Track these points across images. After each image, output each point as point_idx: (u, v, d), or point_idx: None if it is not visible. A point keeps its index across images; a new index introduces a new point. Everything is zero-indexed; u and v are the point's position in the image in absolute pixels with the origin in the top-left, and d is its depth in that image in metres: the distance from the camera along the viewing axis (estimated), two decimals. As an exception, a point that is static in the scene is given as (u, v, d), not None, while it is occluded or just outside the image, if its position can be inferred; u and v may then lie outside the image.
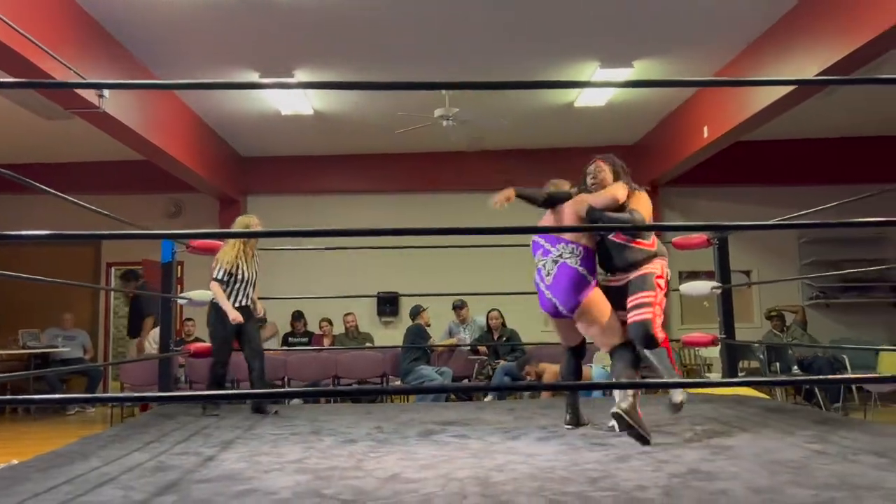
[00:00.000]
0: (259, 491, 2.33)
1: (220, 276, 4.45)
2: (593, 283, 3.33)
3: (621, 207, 3.39)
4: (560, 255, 3.39)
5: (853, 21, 4.81)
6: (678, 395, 3.38)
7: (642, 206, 3.39)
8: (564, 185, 3.62)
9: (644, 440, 2.98)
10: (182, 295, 4.95)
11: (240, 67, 6.53)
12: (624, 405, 2.99)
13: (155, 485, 2.42)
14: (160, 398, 3.75)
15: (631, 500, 2.12)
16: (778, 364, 7.11)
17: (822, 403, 6.56)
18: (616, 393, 3.24)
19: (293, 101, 7.38)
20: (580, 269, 3.31)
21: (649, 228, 3.44)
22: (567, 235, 3.41)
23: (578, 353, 3.63)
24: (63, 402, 8.36)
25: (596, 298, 3.31)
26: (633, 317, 3.29)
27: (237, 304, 4.49)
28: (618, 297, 3.37)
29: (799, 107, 6.29)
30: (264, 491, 2.33)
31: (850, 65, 5.04)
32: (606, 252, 3.46)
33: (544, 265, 3.47)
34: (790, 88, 5.66)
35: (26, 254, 8.36)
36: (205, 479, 2.54)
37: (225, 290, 4.47)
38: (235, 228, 4.64)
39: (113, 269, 10.00)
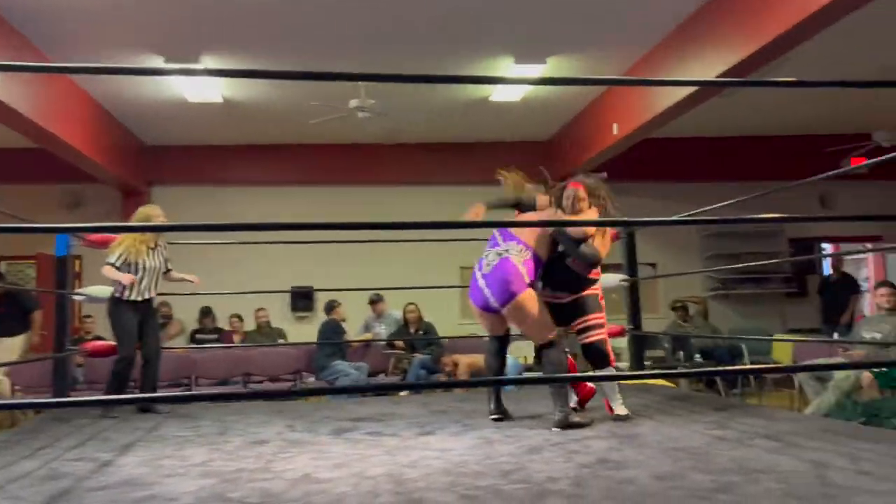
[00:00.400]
0: (159, 497, 2.22)
1: (113, 261, 4.24)
2: (528, 283, 3.38)
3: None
4: (506, 251, 3.42)
5: (753, 24, 5.05)
6: (622, 410, 3.45)
7: (606, 239, 3.55)
8: (512, 179, 3.63)
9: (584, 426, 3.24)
10: (78, 291, 4.68)
11: (144, 52, 6.23)
12: (559, 416, 3.23)
13: (45, 494, 2.27)
14: (48, 404, 3.51)
15: (542, 492, 2.14)
16: (682, 353, 7.42)
17: (721, 389, 6.89)
18: (553, 398, 3.34)
19: (201, 87, 7.11)
20: (521, 266, 3.36)
21: (559, 224, 3.48)
22: (524, 238, 3.45)
23: (504, 341, 3.69)
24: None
25: (528, 296, 3.37)
26: (586, 338, 3.46)
27: (138, 297, 4.27)
28: (558, 314, 3.49)
29: (702, 106, 6.57)
30: (165, 497, 2.22)
31: (750, 66, 5.30)
32: (558, 272, 3.51)
33: (486, 256, 3.49)
34: (694, 88, 5.89)
35: None
36: (100, 486, 2.40)
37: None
38: (136, 220, 4.40)
39: (2, 263, 9.37)
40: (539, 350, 3.48)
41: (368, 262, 8.61)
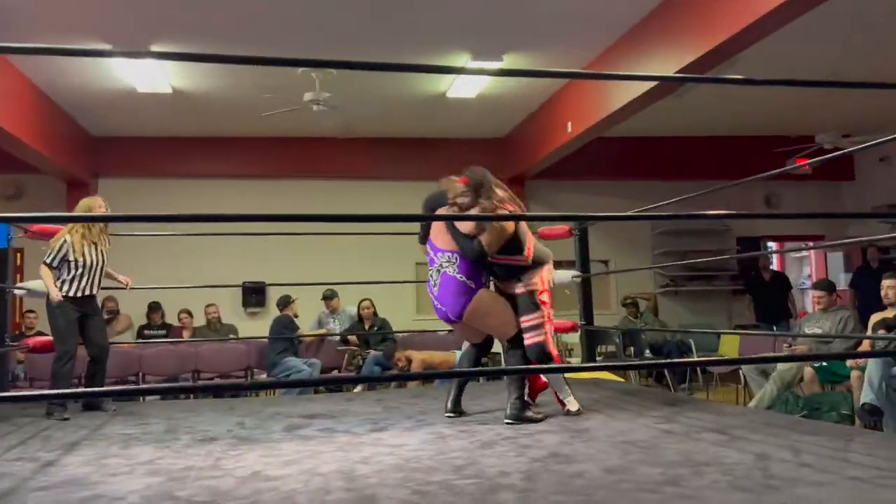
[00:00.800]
0: (105, 497, 2.16)
1: (49, 261, 4.12)
2: (476, 286, 3.42)
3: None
4: (441, 265, 3.46)
5: (705, 26, 5.16)
6: (574, 405, 3.49)
7: (494, 231, 3.36)
8: (458, 184, 3.53)
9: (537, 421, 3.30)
10: (19, 285, 4.51)
11: (91, 38, 6.02)
12: (511, 410, 3.29)
13: (-19, 496, 2.18)
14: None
15: (494, 486, 2.15)
16: (632, 348, 7.56)
17: (670, 384, 7.04)
18: (508, 391, 3.39)
19: (150, 77, 6.92)
20: (458, 276, 3.40)
21: (511, 218, 3.47)
22: (440, 244, 3.48)
23: (482, 350, 3.72)
24: None
25: (482, 298, 3.43)
26: (527, 339, 3.45)
27: (79, 294, 4.15)
28: (513, 304, 3.52)
29: (654, 106, 6.68)
30: (110, 496, 2.16)
31: (703, 66, 5.41)
32: (490, 264, 3.52)
33: (431, 275, 3.53)
34: (647, 87, 5.99)
35: None
36: (43, 486, 2.33)
37: (64, 276, 4.13)
38: (78, 211, 4.26)
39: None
40: (508, 347, 3.51)
41: (322, 258, 8.53)
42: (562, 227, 5.14)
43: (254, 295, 9.07)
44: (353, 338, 7.43)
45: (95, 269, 4.23)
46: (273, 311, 8.14)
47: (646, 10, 5.90)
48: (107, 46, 6.11)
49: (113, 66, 6.69)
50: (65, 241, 4.13)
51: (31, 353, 5.41)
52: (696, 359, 7.19)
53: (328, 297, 7.77)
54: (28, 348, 4.52)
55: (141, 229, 6.36)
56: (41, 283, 4.24)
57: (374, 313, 7.48)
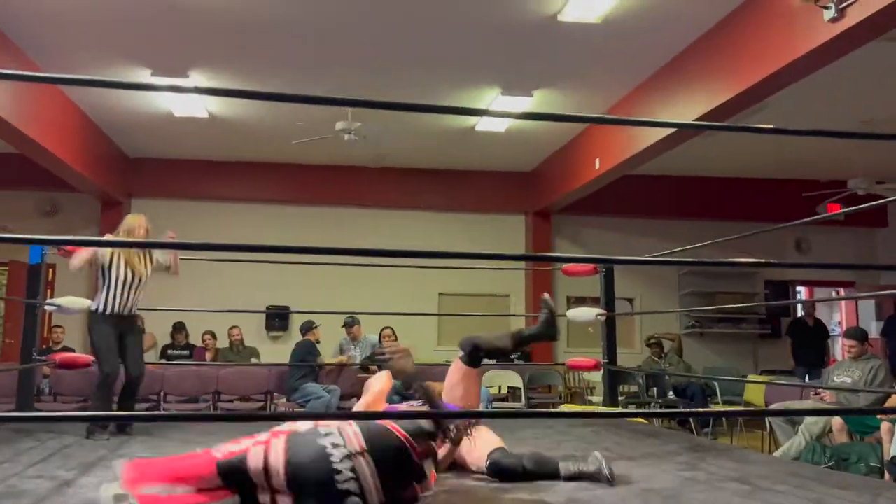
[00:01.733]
0: (120, 520, 2.15)
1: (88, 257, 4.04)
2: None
3: None
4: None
5: (734, 69, 5.16)
6: None
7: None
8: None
9: None
10: (50, 301, 4.59)
11: (133, 65, 6.21)
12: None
13: (0, 513, 2.20)
14: (11, 418, 3.39)
15: (510, 528, 2.12)
16: (655, 389, 7.44)
17: (693, 428, 6.91)
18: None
19: (187, 102, 7.09)
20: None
21: (542, 259, 3.47)
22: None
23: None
24: None
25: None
26: None
27: (116, 311, 4.04)
28: None
29: (683, 145, 6.67)
30: (126, 520, 2.15)
31: (730, 110, 5.40)
32: None
33: None
34: (672, 130, 5.99)
35: None
36: (60, 505, 2.34)
37: (101, 290, 4.02)
38: (122, 229, 4.19)
39: (-26, 268, 9.19)
40: None
41: (346, 285, 8.58)
42: (588, 264, 5.12)
43: (277, 319, 9.12)
44: (373, 367, 7.41)
45: (132, 287, 4.11)
46: (295, 336, 8.17)
47: (676, 52, 5.92)
48: (147, 72, 6.29)
49: (152, 91, 6.86)
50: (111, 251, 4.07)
51: (57, 369, 5.49)
52: (720, 409, 7.05)
53: (349, 325, 7.78)
54: (55, 364, 4.58)
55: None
56: (73, 301, 4.31)
57: (395, 342, 7.46)
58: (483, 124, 7.74)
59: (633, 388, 7.91)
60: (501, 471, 2.80)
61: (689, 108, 5.70)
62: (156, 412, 4.80)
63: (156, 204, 9.08)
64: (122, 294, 4.08)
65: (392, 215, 9.47)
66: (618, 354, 5.25)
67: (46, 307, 4.61)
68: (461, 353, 3.05)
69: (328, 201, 9.40)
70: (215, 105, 7.28)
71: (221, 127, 7.89)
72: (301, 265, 7.66)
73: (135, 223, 4.19)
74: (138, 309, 4.25)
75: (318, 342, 7.32)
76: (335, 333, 7.94)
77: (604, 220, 9.77)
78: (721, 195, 9.66)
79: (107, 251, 4.04)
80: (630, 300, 9.62)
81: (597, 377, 7.90)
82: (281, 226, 9.08)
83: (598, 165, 7.51)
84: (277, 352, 8.67)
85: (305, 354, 7.06)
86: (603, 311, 5.12)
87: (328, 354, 7.79)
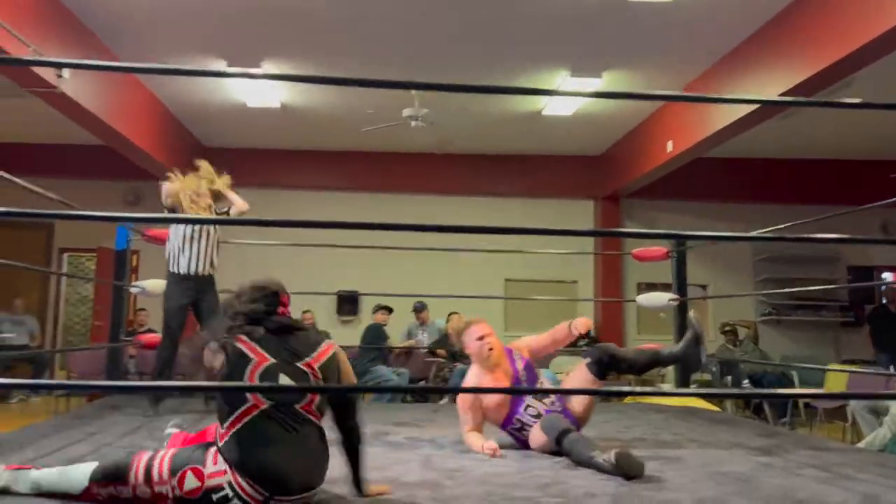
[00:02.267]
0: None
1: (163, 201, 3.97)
2: None
3: None
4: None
5: (816, 46, 4.93)
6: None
7: None
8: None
9: None
10: (135, 284, 4.82)
11: (208, 56, 6.41)
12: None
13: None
14: (106, 387, 3.60)
15: (579, 507, 2.12)
16: (729, 378, 7.24)
17: (769, 417, 6.70)
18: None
19: (260, 93, 7.28)
20: None
21: (613, 234, 3.43)
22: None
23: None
24: (4, 387, 8.04)
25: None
26: None
27: (191, 270, 3.87)
28: None
29: (759, 126, 6.43)
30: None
31: (811, 88, 5.17)
32: None
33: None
34: (752, 108, 5.78)
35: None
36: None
37: (173, 243, 3.92)
38: (185, 184, 4.02)
39: (66, 255, 9.73)
40: None
41: (414, 271, 8.67)
42: (659, 248, 5.02)
43: (347, 303, 9.31)
44: (441, 350, 7.49)
45: (209, 242, 3.94)
46: (365, 320, 8.33)
47: (752, 29, 5.70)
48: (222, 63, 6.49)
49: (226, 82, 7.08)
50: (177, 191, 3.91)
51: (143, 350, 5.77)
52: (800, 390, 6.80)
53: (418, 310, 7.88)
54: (140, 345, 4.81)
55: (245, 237, 6.68)
56: (155, 283, 4.51)
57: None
58: (550, 108, 7.66)
59: (706, 377, 7.72)
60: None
61: (766, 87, 5.49)
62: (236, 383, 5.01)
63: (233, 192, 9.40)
64: (191, 245, 3.91)
65: (458, 202, 9.49)
66: (690, 341, 5.13)
67: (132, 290, 4.84)
68: (588, 360, 2.99)
69: (395, 188, 9.49)
70: (287, 95, 7.45)
71: (293, 117, 8.08)
72: (370, 250, 7.82)
73: (202, 169, 4.10)
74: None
75: (384, 325, 7.46)
76: (404, 318, 8.05)
77: (675, 205, 9.53)
78: (800, 177, 9.26)
79: (184, 200, 3.86)
80: (703, 286, 9.36)
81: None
82: (350, 214, 9.24)
83: (670, 148, 7.33)
84: (348, 335, 8.84)
85: (374, 337, 7.20)
86: (675, 296, 5.01)
87: (397, 338, 7.92)
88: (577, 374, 3.13)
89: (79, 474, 2.05)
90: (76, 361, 7.16)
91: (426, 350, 7.56)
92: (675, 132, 7.28)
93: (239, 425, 1.99)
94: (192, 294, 3.95)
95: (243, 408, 1.99)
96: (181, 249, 3.95)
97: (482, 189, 9.49)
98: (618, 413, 4.41)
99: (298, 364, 2.09)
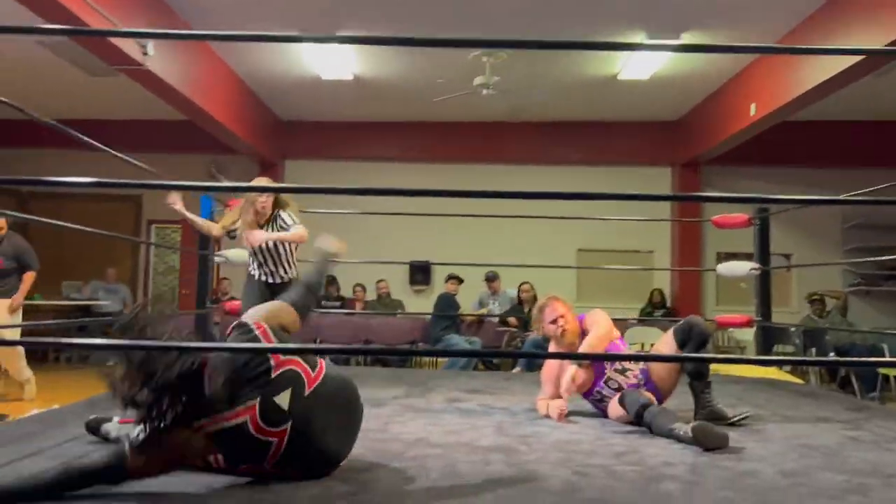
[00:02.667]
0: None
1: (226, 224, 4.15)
2: None
3: None
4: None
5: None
6: None
7: None
8: None
9: None
10: (219, 253, 5.02)
11: (283, 28, 6.53)
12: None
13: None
14: (200, 348, 3.77)
15: (656, 475, 2.11)
16: (815, 350, 6.97)
17: (857, 391, 6.43)
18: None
19: (334, 65, 7.37)
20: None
21: (691, 199, 3.33)
22: None
23: None
24: (103, 349, 8.47)
25: None
26: None
27: (267, 280, 4.08)
28: None
29: (848, 88, 6.07)
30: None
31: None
32: None
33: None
34: (844, 66, 5.45)
35: (69, 210, 8.51)
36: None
37: (250, 258, 4.14)
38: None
39: (153, 226, 10.19)
40: None
41: (485, 241, 8.68)
42: (740, 215, 4.85)
43: (420, 273, 9.42)
44: (512, 320, 7.51)
45: (271, 253, 4.07)
46: (436, 289, 8.40)
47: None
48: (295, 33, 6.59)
49: (302, 55, 7.19)
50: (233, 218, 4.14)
51: (226, 315, 6.02)
52: (891, 359, 6.48)
53: (490, 279, 7.90)
54: (225, 311, 5.02)
55: (321, 207, 6.80)
56: (239, 253, 4.69)
57: (534, 297, 7.49)
58: (626, 72, 7.44)
59: (789, 349, 7.46)
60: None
61: (861, 41, 5.17)
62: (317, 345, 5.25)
63: (307, 165, 9.61)
64: (259, 263, 4.09)
65: (530, 171, 9.40)
66: (772, 313, 4.97)
67: (216, 259, 5.04)
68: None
69: (467, 158, 9.47)
70: (360, 67, 7.52)
71: (366, 88, 8.15)
72: (443, 220, 7.85)
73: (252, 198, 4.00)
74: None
75: (455, 294, 7.53)
76: (476, 287, 8.10)
77: (758, 171, 9.15)
78: (891, 140, 8.71)
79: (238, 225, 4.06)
80: (787, 256, 9.01)
81: (748, 335, 7.53)
82: (422, 184, 9.25)
83: (753, 111, 7.02)
84: (421, 304, 8.99)
85: (447, 306, 7.29)
86: (757, 266, 4.85)
87: (468, 307, 7.98)
88: (663, 344, 3.10)
89: None
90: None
91: (498, 319, 7.59)
92: (758, 94, 6.96)
93: None
94: (270, 297, 3.96)
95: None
96: (254, 263, 4.12)
97: (555, 158, 9.36)
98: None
99: None
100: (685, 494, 1.93)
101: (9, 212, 3.54)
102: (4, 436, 2.46)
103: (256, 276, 4.14)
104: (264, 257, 4.08)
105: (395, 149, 9.60)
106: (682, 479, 2.07)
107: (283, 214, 4.00)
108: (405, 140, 9.56)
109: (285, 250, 4.11)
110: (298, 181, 9.26)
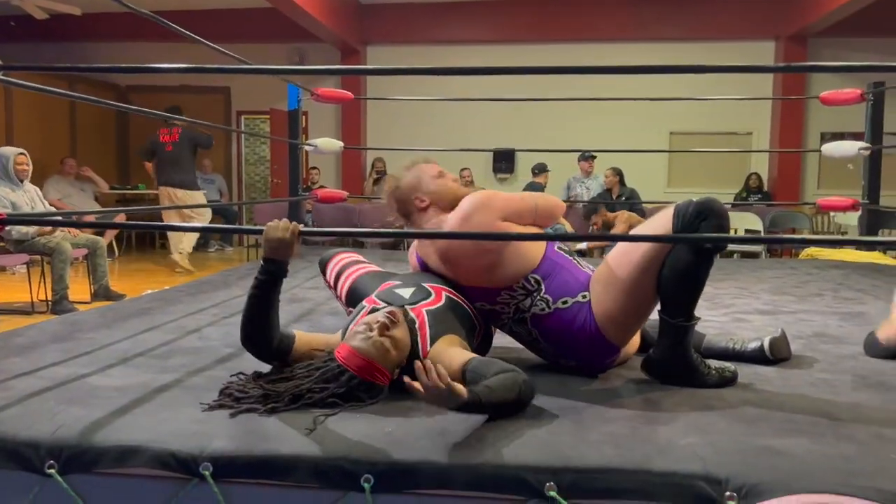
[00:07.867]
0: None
1: None
2: None
3: None
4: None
5: None
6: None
7: None
8: None
9: None
10: (308, 142, 5.10)
11: None
12: None
13: (291, 313, 2.64)
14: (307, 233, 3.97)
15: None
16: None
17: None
18: None
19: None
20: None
21: (805, 70, 3.09)
22: None
23: None
24: (206, 231, 8.86)
25: None
26: None
27: None
28: None
29: None
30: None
31: None
32: None
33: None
34: None
35: (164, 101, 8.80)
36: (333, 311, 2.73)
37: None
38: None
39: (242, 117, 10.42)
40: None
41: (572, 127, 8.44)
42: (852, 90, 4.49)
43: (503, 161, 9.32)
44: (606, 211, 7.38)
45: None
46: (521, 178, 8.33)
47: None
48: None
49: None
50: None
51: (318, 203, 6.20)
52: None
53: (585, 159, 7.69)
54: (317, 199, 5.16)
55: (403, 93, 6.77)
56: (328, 142, 4.75)
57: (621, 182, 7.32)
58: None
59: (896, 235, 7.08)
60: None
61: None
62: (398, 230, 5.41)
63: (389, 50, 9.46)
64: None
65: (620, 49, 8.93)
66: (881, 197, 4.68)
67: (306, 147, 5.13)
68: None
69: (555, 37, 9.04)
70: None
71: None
72: (528, 104, 7.68)
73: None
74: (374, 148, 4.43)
75: (544, 186, 7.43)
76: (564, 174, 7.97)
77: (873, 43, 8.37)
78: None
79: None
80: (900, 136, 8.37)
81: (852, 220, 7.18)
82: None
83: (872, -26, 6.34)
84: (505, 193, 8.94)
85: (533, 194, 7.22)
86: (867, 145, 4.53)
87: (556, 194, 7.89)
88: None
89: None
90: (261, 215, 7.86)
91: (583, 216, 7.47)
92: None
93: None
94: None
95: None
96: None
97: (647, 34, 8.83)
98: (791, 269, 4.21)
99: None
100: (780, 374, 1.92)
101: (109, 101, 3.67)
102: (125, 311, 2.69)
103: None
104: None
105: (481, 30, 9.27)
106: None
107: None
108: (491, 21, 9.20)
109: None
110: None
